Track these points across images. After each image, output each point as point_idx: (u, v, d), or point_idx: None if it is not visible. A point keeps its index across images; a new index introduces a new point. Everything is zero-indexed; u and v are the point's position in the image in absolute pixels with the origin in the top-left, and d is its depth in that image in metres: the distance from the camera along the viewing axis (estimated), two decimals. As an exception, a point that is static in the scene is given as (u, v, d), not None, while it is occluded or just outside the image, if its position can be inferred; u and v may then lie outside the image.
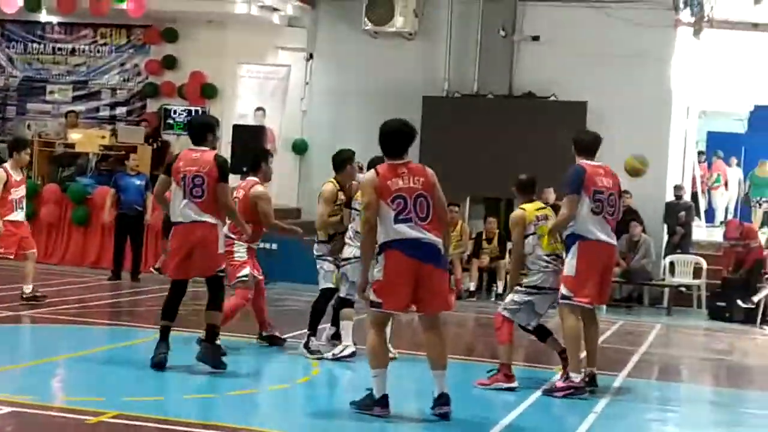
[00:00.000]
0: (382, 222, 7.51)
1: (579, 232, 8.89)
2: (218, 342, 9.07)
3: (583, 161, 9.10)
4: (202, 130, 9.08)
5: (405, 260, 7.45)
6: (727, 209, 24.58)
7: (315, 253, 10.19)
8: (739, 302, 15.71)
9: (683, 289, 17.25)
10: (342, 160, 10.14)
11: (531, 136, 17.39)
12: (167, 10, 18.49)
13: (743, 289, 15.93)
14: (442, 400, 7.62)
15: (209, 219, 8.80)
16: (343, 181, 10.23)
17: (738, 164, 25.21)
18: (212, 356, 8.87)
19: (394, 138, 7.70)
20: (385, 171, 7.58)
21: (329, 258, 10.07)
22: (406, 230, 7.45)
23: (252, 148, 16.91)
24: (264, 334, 10.60)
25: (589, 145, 9.19)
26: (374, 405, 7.54)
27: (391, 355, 8.28)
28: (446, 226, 7.94)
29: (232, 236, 10.00)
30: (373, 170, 7.66)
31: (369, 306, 7.69)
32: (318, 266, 10.17)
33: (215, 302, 9.02)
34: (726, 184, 24.92)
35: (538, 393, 8.92)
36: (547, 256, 9.07)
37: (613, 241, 9.03)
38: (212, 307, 9.01)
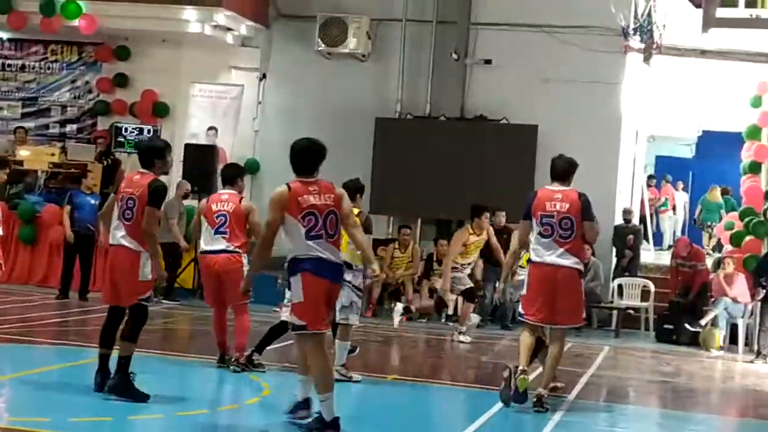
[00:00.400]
0: (293, 238, 7.58)
1: (530, 255, 9.34)
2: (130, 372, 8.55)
3: (546, 186, 9.48)
4: (148, 154, 8.83)
5: (319, 281, 7.55)
6: (674, 233, 24.91)
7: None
8: (687, 326, 15.90)
9: (631, 311, 17.42)
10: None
11: (482, 158, 17.51)
12: (120, 28, 18.40)
13: (690, 312, 16.14)
14: (305, 405, 7.84)
15: (131, 245, 8.50)
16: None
17: (684, 188, 25.61)
18: (127, 389, 8.39)
19: (303, 156, 7.76)
20: (297, 187, 7.65)
21: None
22: (317, 248, 7.53)
23: (204, 167, 17.00)
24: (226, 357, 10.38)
25: (557, 170, 9.47)
26: (325, 428, 7.53)
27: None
28: (357, 231, 7.98)
29: (239, 250, 10.09)
30: (285, 185, 7.69)
31: (292, 330, 7.75)
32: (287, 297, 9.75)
33: (131, 333, 8.52)
34: (674, 208, 25.28)
35: (486, 416, 8.94)
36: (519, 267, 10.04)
37: (565, 262, 9.18)
38: (126, 338, 8.51)
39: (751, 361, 14.71)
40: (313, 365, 7.66)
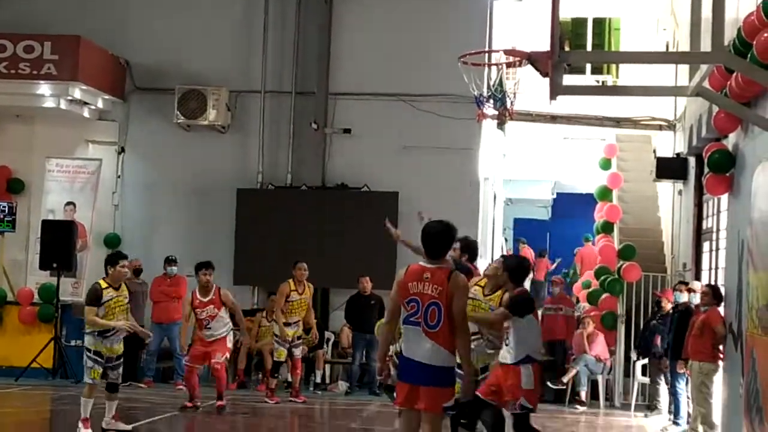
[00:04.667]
0: None
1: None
2: None
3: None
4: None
5: None
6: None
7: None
8: (549, 383, 16.22)
9: (496, 372, 17.65)
10: None
11: (345, 226, 17.65)
12: (-29, 104, 18.01)
13: (551, 370, 16.49)
14: None
15: None
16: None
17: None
18: None
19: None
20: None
21: None
22: None
23: (63, 243, 16.68)
24: None
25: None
26: None
27: None
28: None
29: None
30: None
31: None
32: None
33: None
34: (533, 269, 25.89)
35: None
36: None
37: None
38: None
39: (645, 416, 15.07)
40: None
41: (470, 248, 10.53)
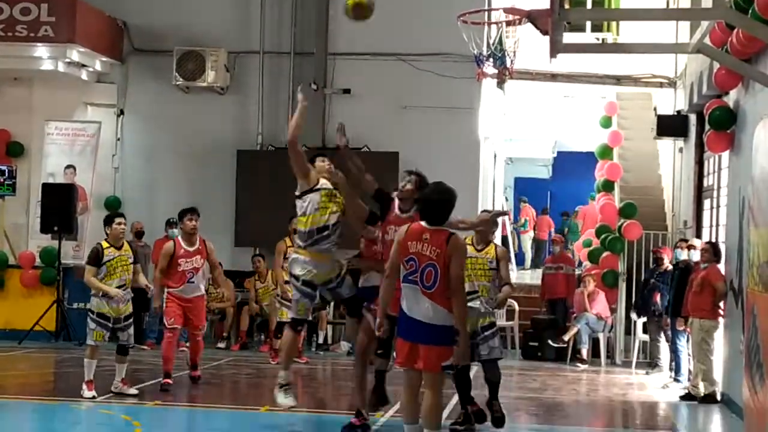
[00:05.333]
0: None
1: None
2: None
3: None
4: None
5: None
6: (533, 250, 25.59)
7: None
8: (550, 342, 16.33)
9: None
10: None
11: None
12: (-31, 68, 17.94)
13: (552, 328, 16.59)
14: None
15: None
16: None
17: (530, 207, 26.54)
18: None
19: None
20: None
21: None
22: None
23: (63, 207, 16.69)
24: None
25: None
26: None
27: None
28: None
29: None
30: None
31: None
32: None
33: None
34: (534, 228, 25.94)
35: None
36: None
37: None
38: None
39: (647, 373, 15.15)
40: None
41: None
